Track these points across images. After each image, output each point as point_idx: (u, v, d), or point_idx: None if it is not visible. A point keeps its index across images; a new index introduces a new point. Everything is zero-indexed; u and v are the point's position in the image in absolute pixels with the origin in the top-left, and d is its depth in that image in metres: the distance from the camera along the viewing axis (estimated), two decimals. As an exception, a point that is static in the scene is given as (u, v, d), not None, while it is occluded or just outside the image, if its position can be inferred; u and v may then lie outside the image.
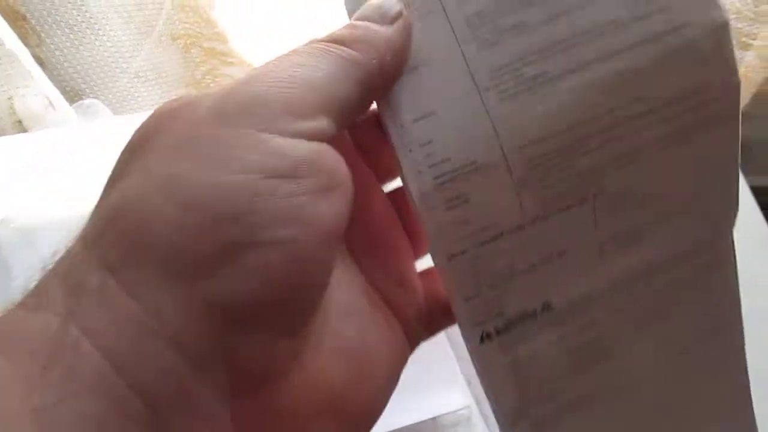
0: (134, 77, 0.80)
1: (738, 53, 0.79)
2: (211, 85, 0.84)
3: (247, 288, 0.19)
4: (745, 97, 0.80)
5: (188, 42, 0.80)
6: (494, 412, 0.29)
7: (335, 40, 0.22)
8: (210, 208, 0.18)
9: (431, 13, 0.24)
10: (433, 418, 0.34)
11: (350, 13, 0.26)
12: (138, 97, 0.81)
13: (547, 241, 0.27)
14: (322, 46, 0.22)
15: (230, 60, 0.82)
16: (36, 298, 0.19)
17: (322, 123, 0.21)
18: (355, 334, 0.26)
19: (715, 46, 0.25)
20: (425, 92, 0.24)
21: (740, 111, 0.26)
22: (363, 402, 0.26)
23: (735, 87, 0.26)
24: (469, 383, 0.38)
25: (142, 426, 0.18)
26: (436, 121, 0.24)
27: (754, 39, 0.77)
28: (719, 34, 0.25)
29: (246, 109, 0.20)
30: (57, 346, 0.17)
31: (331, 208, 0.20)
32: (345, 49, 0.22)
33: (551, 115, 0.25)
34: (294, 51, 0.22)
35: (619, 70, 0.25)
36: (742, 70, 0.79)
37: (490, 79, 0.24)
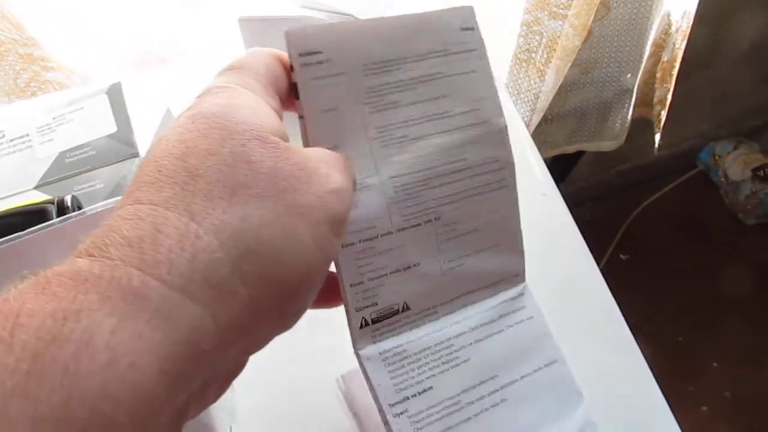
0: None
1: (552, 23, 0.81)
2: (38, 92, 0.82)
3: None
4: (562, 66, 0.82)
5: (2, 49, 0.77)
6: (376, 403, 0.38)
7: None
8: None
9: (345, 75, 0.36)
10: None
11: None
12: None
13: (408, 250, 0.38)
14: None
15: (50, 65, 0.80)
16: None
17: None
18: None
19: (501, 135, 0.40)
20: (336, 129, 0.36)
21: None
22: None
23: (511, 162, 0.40)
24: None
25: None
26: (342, 153, 0.35)
27: (566, 8, 0.79)
28: (502, 130, 0.40)
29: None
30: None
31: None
32: None
33: (409, 161, 0.38)
34: None
35: (450, 141, 0.39)
36: (561, 42, 0.81)
37: (375, 131, 0.37)
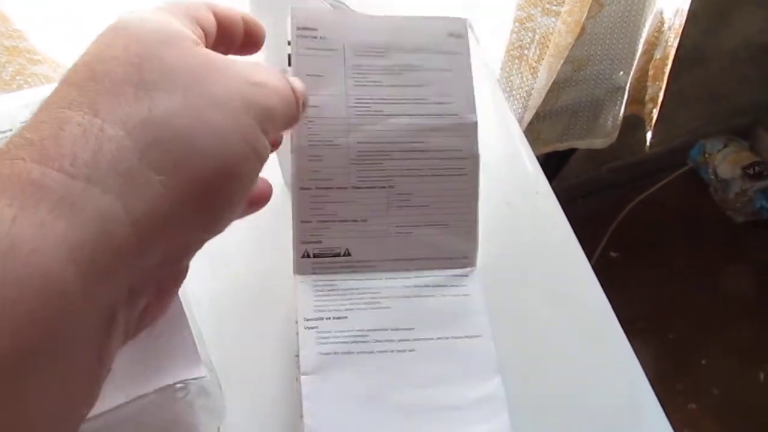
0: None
1: (545, 20, 0.80)
2: (24, 86, 0.81)
3: None
4: (554, 63, 0.82)
5: (-13, 41, 0.76)
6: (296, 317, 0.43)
7: None
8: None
9: (335, 51, 0.44)
10: (170, 386, 0.35)
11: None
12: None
13: (358, 206, 0.45)
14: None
15: (36, 58, 0.79)
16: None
17: None
18: None
19: (471, 130, 0.45)
20: (318, 91, 0.43)
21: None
22: None
23: (475, 155, 0.45)
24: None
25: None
26: (319, 112, 0.43)
27: (559, 5, 0.78)
28: (472, 125, 0.45)
29: None
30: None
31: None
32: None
33: (377, 132, 0.44)
34: None
35: (419, 123, 0.45)
36: (553, 39, 0.80)
37: (354, 101, 0.44)
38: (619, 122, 0.97)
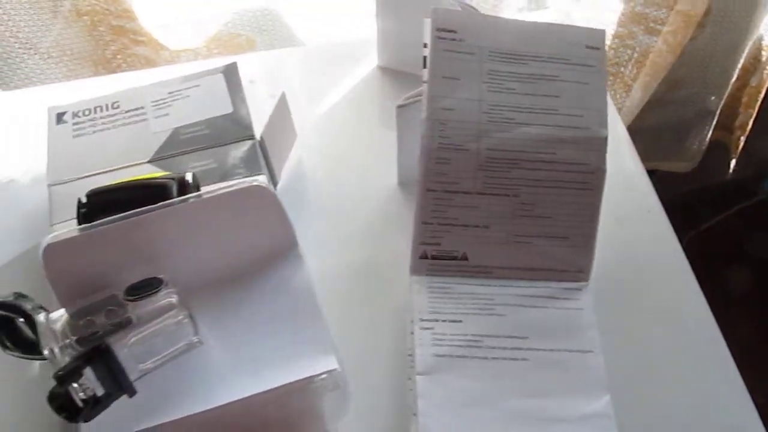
0: (37, 55, 0.78)
1: (646, 38, 0.79)
2: (123, 65, 0.83)
3: None
4: (650, 83, 0.81)
5: (95, 19, 0.78)
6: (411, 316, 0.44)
7: None
8: None
9: (472, 55, 0.44)
10: (304, 379, 0.36)
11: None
12: (42, 75, 0.80)
13: (481, 212, 0.45)
14: None
15: (140, 38, 0.80)
16: None
17: None
18: None
19: (599, 144, 0.45)
20: (454, 94, 0.44)
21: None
22: None
23: (602, 170, 0.45)
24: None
25: None
26: (452, 115, 0.44)
27: (662, 24, 0.77)
28: (602, 140, 0.45)
29: None
30: None
31: None
32: None
33: (508, 140, 0.44)
34: None
35: (549, 134, 0.44)
36: (650, 57, 0.80)
37: (487, 107, 0.44)
38: (704, 147, 0.96)
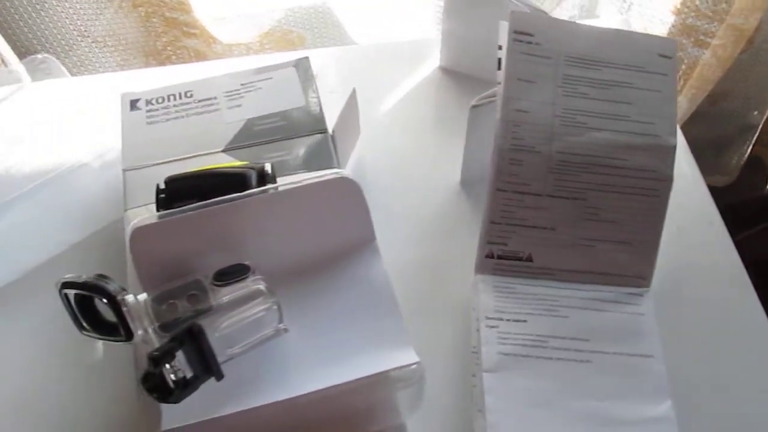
0: (93, 42, 0.79)
1: (695, 50, 0.80)
2: (172, 57, 0.83)
3: None
4: (697, 95, 0.81)
5: (149, 10, 0.78)
6: (476, 314, 0.45)
7: None
8: None
9: (548, 59, 0.45)
10: (389, 371, 0.36)
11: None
12: (96, 62, 0.81)
13: (549, 214, 0.46)
14: None
15: (192, 31, 0.81)
16: None
17: None
18: None
19: (668, 152, 0.45)
20: (528, 96, 0.45)
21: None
22: None
23: (670, 178, 0.46)
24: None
25: None
26: (526, 117, 0.45)
27: (711, 37, 0.78)
28: (671, 149, 0.46)
29: None
30: None
31: None
32: None
33: (579, 144, 0.45)
34: None
35: (619, 140, 0.45)
36: (698, 70, 0.80)
37: (561, 110, 0.45)
38: (743, 161, 0.96)
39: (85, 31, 0.76)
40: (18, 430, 0.45)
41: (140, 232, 0.38)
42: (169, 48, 0.84)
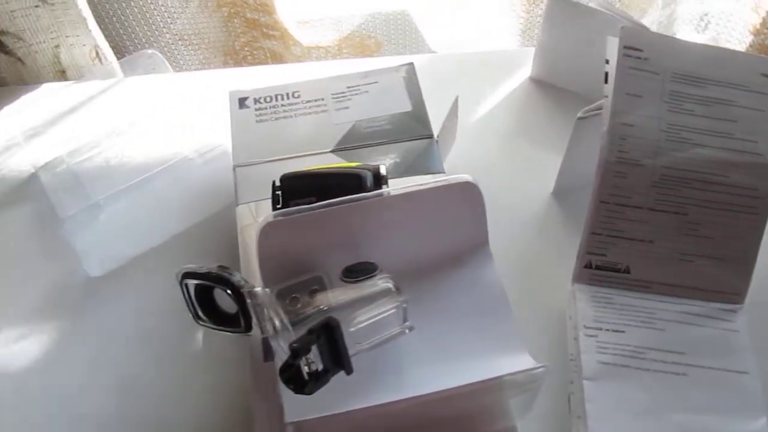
0: (175, 38, 0.81)
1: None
2: (248, 57, 0.85)
3: None
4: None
5: (232, 11, 0.80)
6: (574, 322, 0.46)
7: None
8: None
9: (656, 75, 0.46)
10: (515, 373, 0.36)
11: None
12: (179, 57, 0.83)
13: (649, 227, 0.47)
14: None
15: (273, 33, 0.83)
16: None
17: None
18: None
19: None
20: (635, 111, 0.46)
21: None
22: None
23: None
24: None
25: None
26: (632, 131, 0.46)
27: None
28: None
29: None
30: None
31: None
32: None
33: (682, 160, 0.46)
34: None
35: (721, 157, 0.46)
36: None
37: (666, 126, 0.46)
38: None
39: (169, 24, 0.78)
40: (120, 411, 0.47)
41: (270, 228, 0.39)
42: (246, 48, 0.85)
